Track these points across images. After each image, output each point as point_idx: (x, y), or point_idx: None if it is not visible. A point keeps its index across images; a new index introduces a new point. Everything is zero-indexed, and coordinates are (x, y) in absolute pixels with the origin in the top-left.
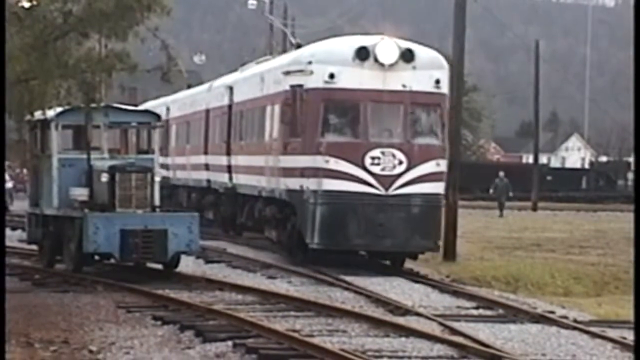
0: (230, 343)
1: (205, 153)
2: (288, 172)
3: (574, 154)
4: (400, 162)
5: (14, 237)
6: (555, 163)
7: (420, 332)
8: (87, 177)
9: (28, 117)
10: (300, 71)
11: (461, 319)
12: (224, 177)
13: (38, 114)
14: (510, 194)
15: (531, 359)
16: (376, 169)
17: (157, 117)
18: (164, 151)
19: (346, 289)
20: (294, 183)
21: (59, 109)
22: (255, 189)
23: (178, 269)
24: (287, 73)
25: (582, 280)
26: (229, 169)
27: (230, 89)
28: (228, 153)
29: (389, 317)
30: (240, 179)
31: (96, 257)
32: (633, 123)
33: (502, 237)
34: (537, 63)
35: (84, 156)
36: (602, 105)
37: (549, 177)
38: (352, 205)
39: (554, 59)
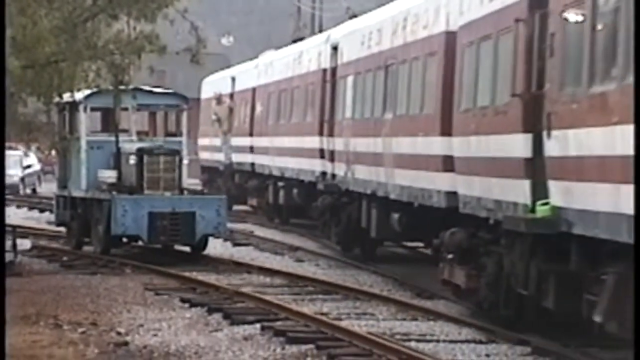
0: (258, 326)
1: (447, 133)
2: None
3: None
4: None
5: (42, 219)
6: None
7: (448, 315)
8: (115, 159)
9: (57, 99)
10: None
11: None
12: (497, 190)
13: (67, 96)
14: None
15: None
16: None
17: (185, 99)
18: (326, 128)
19: (374, 272)
20: None
21: (88, 92)
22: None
23: (206, 252)
24: None
25: None
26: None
27: None
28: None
29: (416, 301)
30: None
31: (124, 240)
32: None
33: None
34: None
35: (112, 139)
36: None
37: None
38: None
39: None
